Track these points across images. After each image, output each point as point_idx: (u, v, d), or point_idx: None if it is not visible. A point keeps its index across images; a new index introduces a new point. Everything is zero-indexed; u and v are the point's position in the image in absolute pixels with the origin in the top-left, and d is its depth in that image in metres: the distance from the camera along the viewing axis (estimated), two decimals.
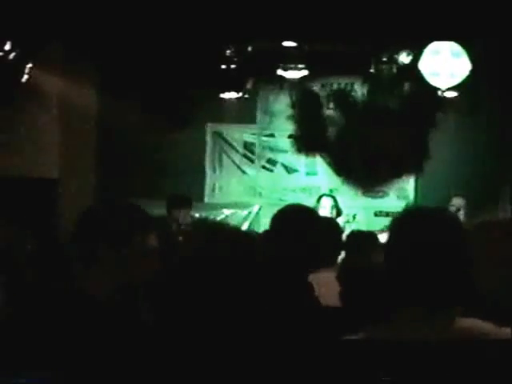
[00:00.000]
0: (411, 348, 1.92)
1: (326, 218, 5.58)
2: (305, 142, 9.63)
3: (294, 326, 2.67)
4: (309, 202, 7.98)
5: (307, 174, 9.97)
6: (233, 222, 8.93)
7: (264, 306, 2.32)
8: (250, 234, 3.51)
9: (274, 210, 3.49)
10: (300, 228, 3.25)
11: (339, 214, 7.94)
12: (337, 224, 5.07)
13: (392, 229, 2.12)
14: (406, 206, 2.56)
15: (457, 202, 8.01)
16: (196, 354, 2.08)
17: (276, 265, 3.07)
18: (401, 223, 2.13)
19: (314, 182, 9.92)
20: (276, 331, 2.28)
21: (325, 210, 7.75)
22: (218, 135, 10.02)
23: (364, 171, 9.40)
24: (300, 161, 9.87)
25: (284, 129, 9.77)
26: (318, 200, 8.06)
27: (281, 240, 3.22)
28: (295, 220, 3.30)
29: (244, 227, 9.25)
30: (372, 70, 8.90)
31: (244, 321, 2.17)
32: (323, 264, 3.61)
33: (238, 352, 2.08)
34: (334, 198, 8.18)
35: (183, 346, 2.12)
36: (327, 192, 9.12)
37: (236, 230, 2.72)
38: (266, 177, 10.02)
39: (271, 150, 10.03)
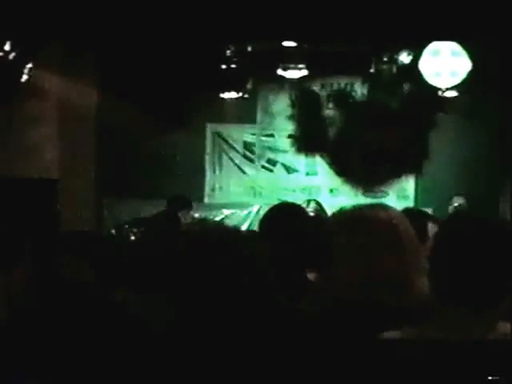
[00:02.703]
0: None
1: (315, 217, 5.56)
2: (305, 142, 9.60)
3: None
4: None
5: (307, 174, 9.97)
6: (233, 222, 8.93)
7: (269, 308, 2.31)
8: (248, 235, 3.50)
9: None
10: (287, 228, 3.23)
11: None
12: (325, 222, 5.05)
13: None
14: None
15: (457, 201, 8.02)
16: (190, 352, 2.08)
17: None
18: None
19: (313, 182, 9.92)
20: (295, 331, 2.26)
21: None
22: (217, 135, 10.02)
23: (364, 171, 9.38)
24: (300, 161, 9.86)
25: (284, 129, 9.76)
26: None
27: (270, 240, 3.20)
28: (282, 220, 3.29)
29: (244, 227, 9.25)
30: (372, 70, 8.90)
31: (244, 322, 2.16)
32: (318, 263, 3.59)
33: (238, 354, 2.08)
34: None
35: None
36: (328, 192, 9.11)
37: (234, 230, 2.71)
38: (265, 177, 10.02)
39: (271, 149, 10.03)
